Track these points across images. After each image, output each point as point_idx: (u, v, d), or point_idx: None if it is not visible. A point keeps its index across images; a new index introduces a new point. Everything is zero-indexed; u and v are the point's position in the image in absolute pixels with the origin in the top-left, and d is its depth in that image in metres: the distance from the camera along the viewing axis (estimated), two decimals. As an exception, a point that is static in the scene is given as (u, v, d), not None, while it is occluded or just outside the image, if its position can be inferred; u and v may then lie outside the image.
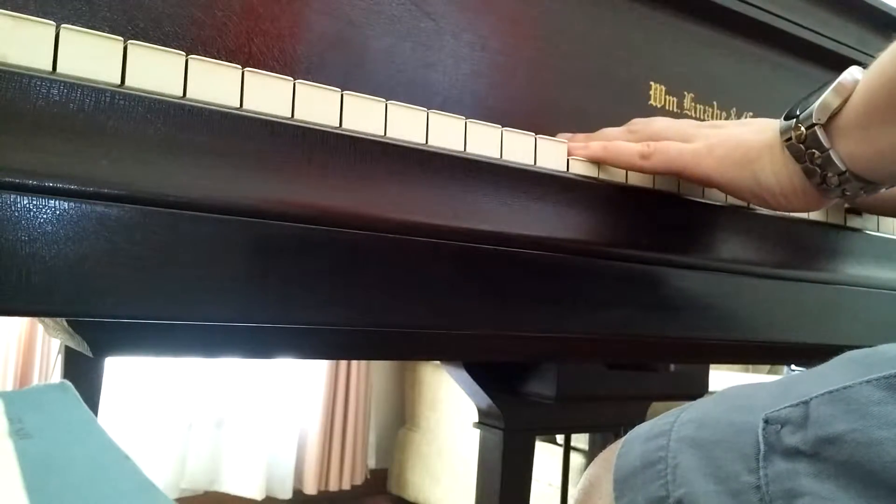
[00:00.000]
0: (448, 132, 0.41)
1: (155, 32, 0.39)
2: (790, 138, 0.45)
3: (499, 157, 0.43)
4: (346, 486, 2.68)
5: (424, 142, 0.40)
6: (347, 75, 0.47)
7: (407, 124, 0.39)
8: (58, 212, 0.29)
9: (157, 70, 0.32)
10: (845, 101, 0.43)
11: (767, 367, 2.61)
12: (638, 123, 0.53)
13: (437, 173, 0.39)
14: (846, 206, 0.60)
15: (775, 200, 0.47)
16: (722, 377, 1.97)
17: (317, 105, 0.36)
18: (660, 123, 0.52)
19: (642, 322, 0.49)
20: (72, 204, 0.29)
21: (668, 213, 0.50)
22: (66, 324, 0.44)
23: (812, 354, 0.56)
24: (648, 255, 0.48)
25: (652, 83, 0.63)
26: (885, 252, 0.62)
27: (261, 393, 2.52)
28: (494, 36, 0.54)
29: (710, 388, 0.84)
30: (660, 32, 0.65)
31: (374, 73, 0.48)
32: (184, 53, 0.33)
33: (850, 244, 0.60)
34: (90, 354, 0.46)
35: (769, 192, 0.46)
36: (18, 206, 0.28)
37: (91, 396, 0.75)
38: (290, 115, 0.36)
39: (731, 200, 0.53)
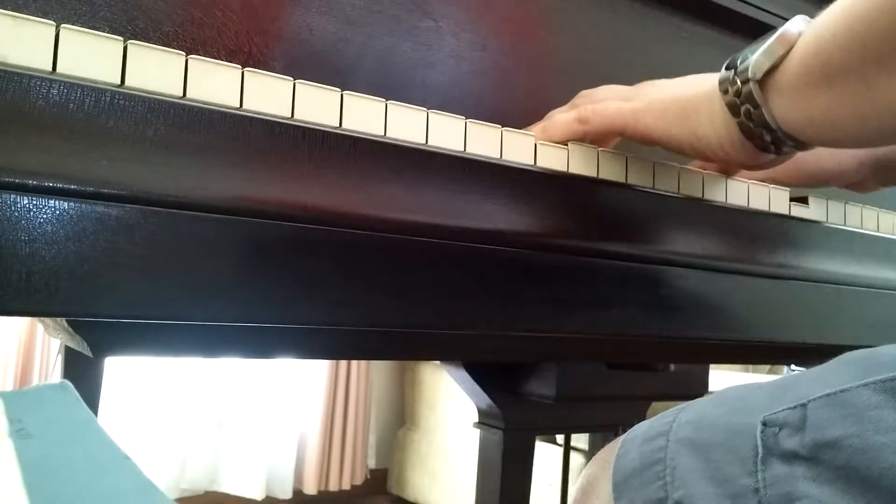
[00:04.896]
0: (448, 132, 0.41)
1: (155, 32, 0.39)
2: (727, 90, 0.43)
3: (499, 156, 0.43)
4: (346, 486, 2.68)
5: (424, 142, 0.40)
6: (347, 75, 0.47)
7: (407, 124, 0.39)
8: (58, 212, 0.29)
9: (157, 70, 0.32)
10: (786, 54, 0.41)
11: (767, 367, 2.61)
12: (581, 96, 0.52)
13: (438, 173, 0.39)
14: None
15: (714, 153, 0.46)
16: (722, 377, 1.98)
17: (317, 105, 0.36)
18: (602, 92, 0.51)
19: (642, 322, 0.49)
20: (72, 204, 0.29)
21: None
22: (66, 324, 0.44)
23: (812, 354, 0.56)
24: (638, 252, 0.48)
25: (652, 83, 0.63)
26: (886, 252, 0.62)
27: (261, 393, 2.52)
28: (494, 36, 0.54)
29: (710, 388, 0.84)
30: (660, 32, 0.65)
31: (375, 73, 0.48)
32: (184, 53, 0.33)
33: (851, 244, 0.60)
34: (90, 354, 0.46)
35: (708, 145, 0.45)
36: (18, 206, 0.28)
37: (91, 396, 0.76)
38: (290, 115, 0.36)
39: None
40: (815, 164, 0.59)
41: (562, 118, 0.48)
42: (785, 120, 0.42)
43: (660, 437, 0.39)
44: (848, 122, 0.40)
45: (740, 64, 0.43)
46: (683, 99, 0.46)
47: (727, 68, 0.44)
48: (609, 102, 0.48)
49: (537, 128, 0.49)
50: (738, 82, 0.42)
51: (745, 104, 0.42)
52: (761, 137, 0.43)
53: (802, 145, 0.44)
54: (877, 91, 0.37)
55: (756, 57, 0.42)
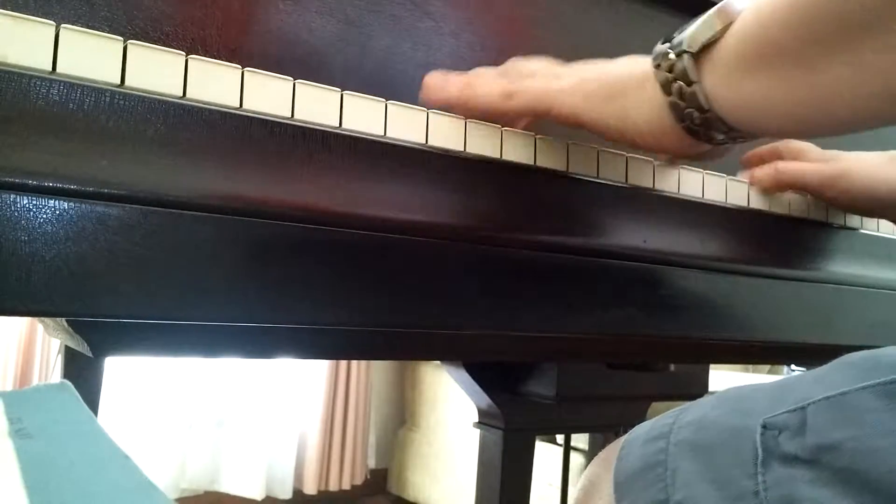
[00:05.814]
0: (448, 132, 0.41)
1: (155, 32, 0.39)
2: (659, 65, 0.40)
3: (499, 156, 0.43)
4: (346, 486, 2.68)
5: (424, 142, 0.40)
6: (347, 75, 0.47)
7: (407, 124, 0.39)
8: (58, 212, 0.29)
9: (156, 70, 0.32)
10: (725, 29, 0.38)
11: (767, 367, 2.61)
12: (511, 64, 0.47)
13: (438, 173, 0.40)
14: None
15: (642, 139, 0.42)
16: (722, 377, 1.98)
17: (317, 105, 0.36)
18: (534, 64, 0.46)
19: (643, 322, 0.49)
20: (72, 204, 0.29)
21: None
22: (66, 324, 0.44)
23: (812, 354, 0.56)
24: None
25: (652, 83, 0.63)
26: (887, 252, 0.62)
27: (261, 393, 2.52)
28: (494, 36, 0.54)
29: (710, 388, 0.84)
30: (660, 32, 0.65)
31: (374, 73, 0.48)
32: (184, 53, 0.33)
33: (851, 244, 0.60)
34: (90, 354, 0.46)
35: (636, 129, 0.42)
36: (18, 206, 0.28)
37: (91, 396, 0.76)
38: (290, 115, 0.36)
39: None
40: (869, 192, 0.55)
41: (488, 87, 0.44)
42: (717, 99, 0.39)
43: (661, 439, 0.39)
44: (782, 107, 0.37)
45: (676, 36, 0.40)
46: (614, 79, 0.43)
47: (663, 42, 0.41)
48: (537, 79, 0.44)
49: (457, 82, 0.44)
50: (673, 55, 0.40)
51: (677, 81, 0.39)
52: (692, 120, 0.40)
53: (734, 133, 0.41)
54: (816, 74, 0.35)
55: (693, 29, 0.39)
